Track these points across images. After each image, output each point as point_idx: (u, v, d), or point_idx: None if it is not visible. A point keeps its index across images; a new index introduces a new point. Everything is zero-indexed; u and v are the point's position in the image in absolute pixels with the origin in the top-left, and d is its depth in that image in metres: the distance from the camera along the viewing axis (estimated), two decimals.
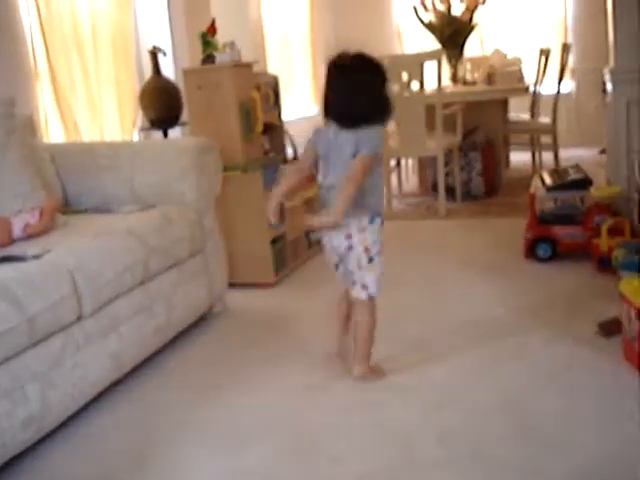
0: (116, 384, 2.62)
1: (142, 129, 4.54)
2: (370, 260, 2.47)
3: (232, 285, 3.55)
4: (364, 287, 2.50)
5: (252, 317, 3.36)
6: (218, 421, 2.39)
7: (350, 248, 2.45)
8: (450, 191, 5.33)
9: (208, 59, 3.76)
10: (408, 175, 6.46)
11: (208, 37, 3.84)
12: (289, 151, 4.31)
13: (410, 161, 6.51)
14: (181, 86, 3.96)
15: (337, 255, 2.51)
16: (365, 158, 2.35)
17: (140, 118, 4.53)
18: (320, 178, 2.55)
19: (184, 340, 3.08)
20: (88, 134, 4.22)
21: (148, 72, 4.44)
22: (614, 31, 4.11)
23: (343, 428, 2.27)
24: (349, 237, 2.44)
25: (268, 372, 2.72)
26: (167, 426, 2.39)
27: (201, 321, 3.26)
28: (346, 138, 2.39)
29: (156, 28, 4.89)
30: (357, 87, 2.40)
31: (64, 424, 2.37)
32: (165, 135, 4.37)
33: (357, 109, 2.39)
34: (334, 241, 2.48)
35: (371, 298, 2.52)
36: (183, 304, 3.00)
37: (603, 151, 5.69)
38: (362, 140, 2.36)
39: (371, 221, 2.45)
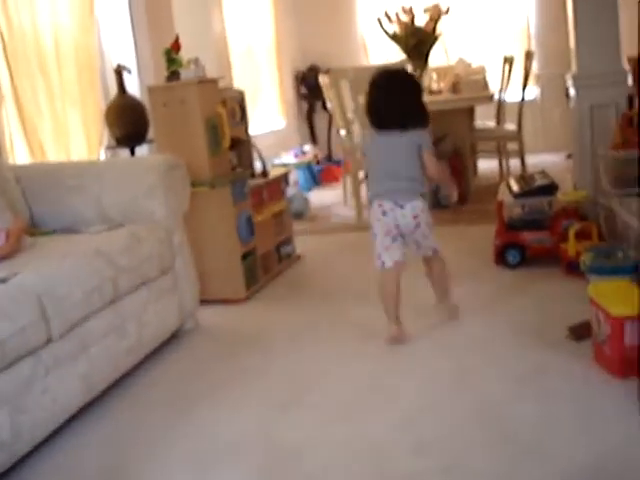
0: (89, 405, 2.59)
1: (109, 148, 4.51)
2: (431, 229, 3.08)
3: (203, 302, 3.54)
4: (431, 248, 3.12)
5: (224, 333, 3.34)
6: (192, 439, 2.37)
7: (418, 226, 3.01)
8: None
9: (173, 76, 3.75)
10: None
11: (172, 54, 3.83)
12: (257, 165, 4.31)
13: None
14: (147, 103, 3.95)
15: (398, 231, 3.02)
16: (430, 153, 2.99)
17: (106, 137, 4.50)
18: (372, 174, 3.12)
19: (156, 359, 3.06)
20: (54, 154, 4.19)
21: (113, 90, 4.42)
22: (575, 38, 4.17)
23: (317, 443, 2.26)
24: (416, 218, 2.99)
25: (241, 388, 2.71)
26: (141, 445, 2.37)
27: (173, 339, 3.24)
28: (406, 138, 2.97)
29: (120, 46, 4.87)
30: (409, 98, 3.00)
31: (37, 448, 2.34)
32: (132, 153, 4.34)
33: (412, 116, 2.99)
34: (400, 220, 2.99)
35: (437, 251, 3.14)
36: (154, 322, 2.98)
37: (570, 156, 5.75)
38: (423, 140, 2.99)
39: (425, 201, 3.05)
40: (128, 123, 4.26)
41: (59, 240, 2.98)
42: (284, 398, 2.58)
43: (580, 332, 2.76)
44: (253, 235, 3.85)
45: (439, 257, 3.18)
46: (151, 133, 4.09)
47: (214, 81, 3.84)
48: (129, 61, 4.70)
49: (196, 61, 3.73)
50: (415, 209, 2.98)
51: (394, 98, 2.97)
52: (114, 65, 4.38)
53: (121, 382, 2.81)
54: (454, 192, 3.19)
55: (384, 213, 2.99)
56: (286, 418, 2.44)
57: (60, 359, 2.40)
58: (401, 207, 2.97)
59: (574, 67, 4.22)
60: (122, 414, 2.61)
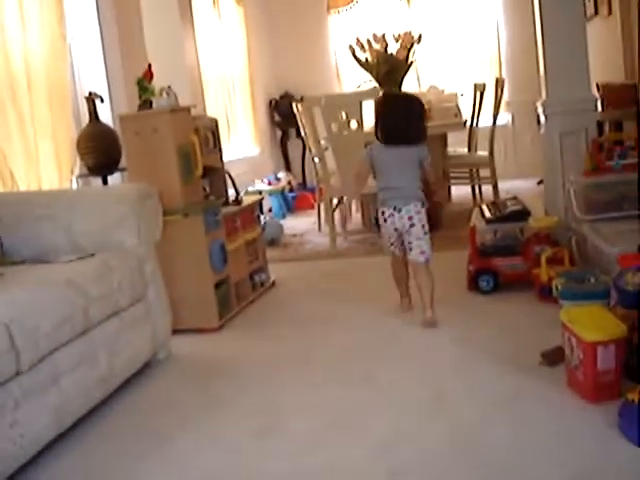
0: (60, 437, 2.55)
1: (80, 176, 4.48)
2: (425, 233, 3.46)
3: (176, 331, 3.51)
4: (422, 252, 3.45)
5: (197, 363, 3.31)
6: (165, 471, 2.34)
7: (412, 226, 3.43)
8: None
9: (145, 104, 3.75)
10: (351, 212, 6.50)
11: (145, 82, 3.83)
12: (231, 193, 4.30)
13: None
14: (119, 132, 3.93)
15: (397, 234, 3.50)
16: (430, 165, 3.55)
17: (78, 165, 4.48)
18: (379, 183, 3.57)
19: (128, 389, 3.02)
20: (25, 183, 4.15)
21: (85, 118, 4.40)
22: (544, 65, 4.23)
23: (292, 473, 2.23)
24: (410, 219, 3.43)
25: (215, 418, 2.68)
26: (113, 478, 2.33)
27: (145, 369, 3.20)
28: (411, 152, 3.47)
29: (92, 73, 4.86)
30: (414, 118, 3.52)
31: None
32: (104, 181, 4.32)
33: (416, 133, 3.50)
34: (398, 223, 3.47)
35: (427, 260, 3.46)
36: (126, 352, 2.95)
37: (541, 182, 5.81)
38: (424, 154, 3.50)
39: (422, 205, 3.47)
40: (100, 151, 4.24)
41: (29, 270, 2.94)
42: (258, 428, 2.56)
43: (553, 357, 2.77)
44: (226, 263, 3.83)
45: (428, 269, 3.47)
46: (123, 161, 4.08)
47: (186, 109, 3.84)
48: (101, 89, 4.68)
49: (168, 90, 3.73)
50: (410, 211, 3.44)
51: (402, 118, 3.49)
52: (86, 93, 4.36)
53: (93, 413, 2.77)
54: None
55: (385, 220, 3.51)
56: (260, 448, 2.42)
57: (30, 391, 2.36)
58: (399, 211, 3.45)
59: (544, 94, 4.28)
60: (94, 446, 2.57)
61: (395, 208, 3.45)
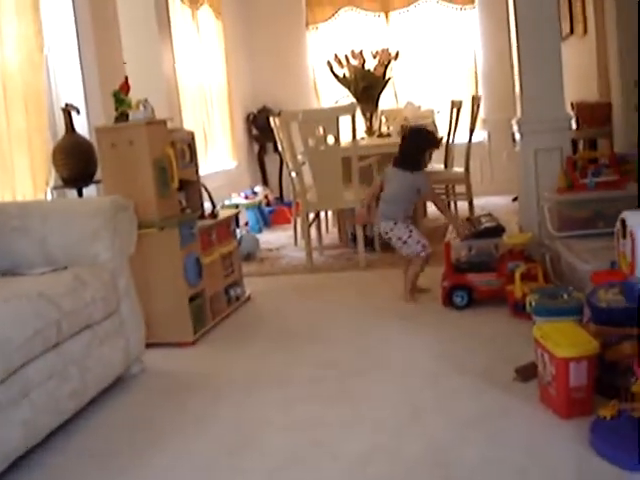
0: (30, 453, 2.52)
1: (55, 188, 4.45)
2: (404, 242, 4.08)
3: (150, 345, 3.48)
4: (408, 255, 4.10)
5: (171, 378, 3.29)
6: None
7: (389, 238, 4.14)
8: (369, 242, 5.39)
9: (121, 117, 3.73)
10: (328, 227, 6.51)
11: (121, 95, 3.81)
12: (207, 206, 4.29)
13: (329, 213, 6.55)
14: (95, 144, 3.91)
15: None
16: (430, 193, 4.29)
17: (53, 177, 4.45)
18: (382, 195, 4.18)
19: (100, 404, 2.99)
20: None
21: (62, 130, 4.37)
22: (520, 84, 4.27)
23: None
24: (386, 233, 4.15)
25: (188, 434, 2.66)
26: None
27: (119, 383, 3.18)
28: (411, 179, 4.07)
29: (69, 85, 4.84)
30: (413, 150, 4.11)
31: None
32: (80, 194, 4.29)
33: (410, 161, 4.08)
34: (381, 231, 4.19)
35: (417, 256, 4.05)
36: (98, 367, 2.92)
37: (516, 199, 5.85)
38: (422, 184, 4.12)
39: (395, 223, 4.08)
40: (76, 163, 4.21)
41: (1, 282, 2.91)
42: (232, 444, 2.54)
43: (527, 373, 2.79)
44: (201, 277, 3.82)
45: (417, 261, 4.05)
46: (99, 174, 4.06)
47: (163, 122, 3.83)
48: (78, 101, 4.66)
49: (145, 102, 3.72)
50: (385, 227, 4.12)
51: (409, 148, 4.11)
52: (62, 104, 4.34)
53: (64, 428, 2.74)
54: (459, 228, 4.09)
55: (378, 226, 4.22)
56: (234, 465, 2.40)
57: (0, 405, 2.33)
58: (380, 223, 4.14)
59: (519, 112, 4.32)
60: (64, 462, 2.54)
61: (381, 220, 4.15)
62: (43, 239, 3.14)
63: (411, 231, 4.10)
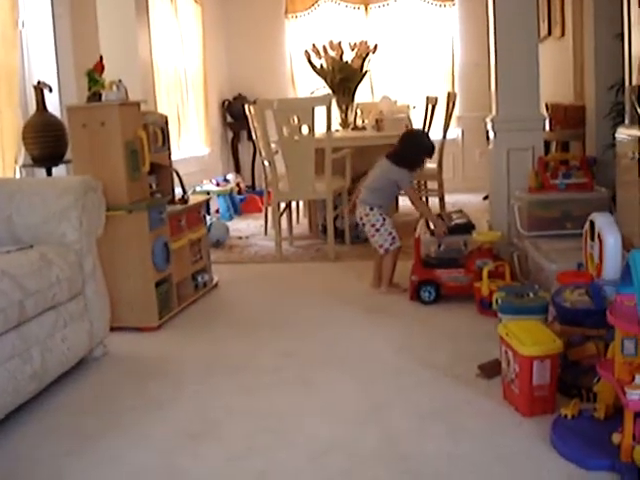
0: None
1: (24, 166, 4.39)
2: (377, 230, 4.13)
3: (115, 329, 3.45)
4: (380, 246, 4.14)
5: (133, 362, 3.26)
6: (95, 471, 2.29)
7: (363, 225, 4.19)
8: (339, 234, 5.38)
9: (94, 97, 3.68)
10: (299, 218, 6.50)
11: (95, 74, 3.77)
12: (178, 191, 4.26)
13: (300, 204, 6.54)
14: (66, 123, 3.86)
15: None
16: (410, 190, 4.28)
17: (23, 155, 4.39)
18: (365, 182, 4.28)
19: (62, 386, 2.96)
20: None
21: (33, 107, 4.31)
22: (496, 83, 4.29)
23: (223, 477, 2.21)
24: (361, 219, 4.19)
25: (148, 419, 2.64)
26: (38, 477, 2.27)
27: (80, 366, 3.14)
28: (388, 168, 4.13)
29: (43, 63, 4.77)
30: (413, 154, 4.20)
31: None
32: (49, 173, 4.23)
33: (403, 160, 4.13)
34: (357, 217, 4.26)
35: (386, 251, 4.13)
36: (61, 348, 2.88)
37: (486, 197, 5.88)
38: (400, 176, 4.13)
39: (371, 209, 4.14)
40: (46, 142, 4.15)
41: None
42: (191, 430, 2.53)
43: (490, 370, 2.80)
44: (169, 262, 3.79)
45: (388, 255, 4.13)
46: (69, 154, 4.01)
47: (136, 104, 3.79)
48: (51, 79, 4.59)
49: (119, 83, 3.67)
50: (361, 212, 4.18)
51: (409, 151, 4.18)
52: (35, 81, 4.28)
53: (24, 409, 2.70)
54: (438, 227, 4.05)
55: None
56: (192, 451, 2.38)
57: None
58: (357, 209, 4.22)
59: (494, 110, 4.34)
60: (22, 443, 2.50)
61: (359, 205, 4.22)
62: (9, 217, 3.10)
63: (384, 219, 4.13)
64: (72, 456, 2.38)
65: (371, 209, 4.12)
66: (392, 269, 4.15)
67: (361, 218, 4.16)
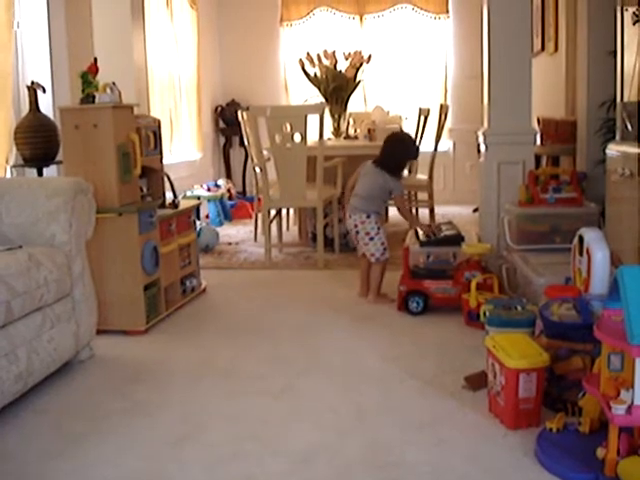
0: None
1: (15, 166, 4.38)
2: (371, 238, 4.14)
3: (102, 332, 3.45)
4: (372, 255, 4.15)
5: (120, 366, 3.25)
6: (79, 475, 2.27)
7: (357, 232, 4.18)
8: (329, 242, 5.39)
9: (87, 99, 3.68)
10: (289, 225, 6.50)
11: (89, 76, 3.76)
12: (168, 196, 4.25)
13: (291, 211, 6.55)
14: (59, 124, 3.85)
15: (353, 234, 4.24)
16: (399, 197, 4.26)
17: (14, 155, 4.38)
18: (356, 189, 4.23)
19: (47, 388, 2.95)
20: None
21: (26, 108, 4.30)
22: (488, 96, 4.31)
23: None
24: (356, 226, 4.17)
25: (133, 423, 2.63)
26: (24, 478, 2.26)
27: (66, 368, 3.13)
28: (381, 176, 4.14)
29: (37, 63, 4.76)
30: (396, 156, 4.21)
31: None
32: (40, 173, 4.22)
33: (387, 161, 4.17)
34: (349, 226, 4.25)
35: (377, 260, 4.13)
36: (47, 350, 2.87)
37: (476, 210, 5.90)
38: (395, 187, 4.18)
39: (367, 217, 4.15)
40: (38, 142, 4.15)
41: None
42: (177, 435, 2.52)
43: (476, 382, 2.81)
44: (158, 266, 3.78)
45: (378, 266, 4.13)
46: (60, 155, 4.00)
47: (129, 107, 3.78)
48: (44, 79, 4.59)
49: (112, 85, 3.67)
50: (356, 220, 4.15)
51: (391, 154, 4.18)
52: (28, 82, 4.27)
53: (8, 410, 2.69)
54: (422, 228, 4.28)
55: (347, 221, 4.26)
56: (177, 455, 2.37)
57: None
58: (350, 217, 4.19)
59: (486, 124, 4.36)
60: (5, 445, 2.49)
61: (350, 214, 4.20)
62: None
63: (379, 229, 4.15)
64: (57, 459, 2.37)
65: (368, 216, 4.12)
66: (380, 279, 4.15)
67: (356, 225, 4.15)
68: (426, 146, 6.48)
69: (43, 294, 2.84)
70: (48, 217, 3.06)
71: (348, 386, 2.91)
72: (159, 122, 4.27)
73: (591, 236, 2.79)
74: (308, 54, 6.39)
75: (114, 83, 3.71)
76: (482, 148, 4.38)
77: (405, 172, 6.49)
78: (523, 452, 2.29)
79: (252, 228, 6.23)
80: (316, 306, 4.09)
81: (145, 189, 3.97)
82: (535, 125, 5.31)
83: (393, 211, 6.79)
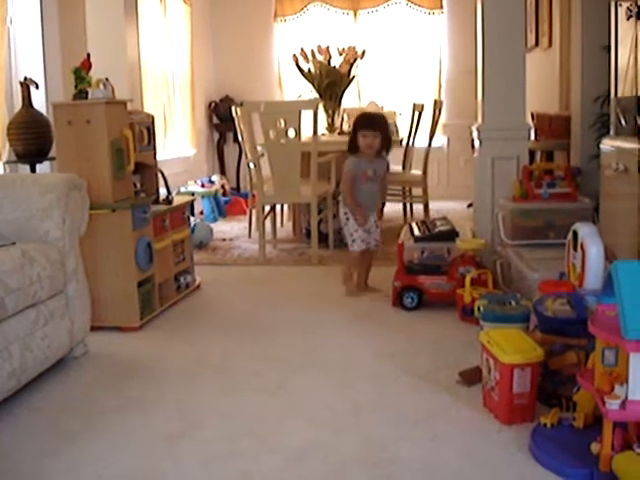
0: None
1: (8, 162, 4.37)
2: (346, 231, 4.20)
3: (96, 328, 3.44)
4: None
5: (114, 362, 3.24)
6: (74, 472, 2.27)
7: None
8: (323, 238, 5.39)
9: (80, 94, 3.67)
10: (283, 221, 6.49)
11: (82, 72, 3.75)
12: (162, 192, 4.24)
13: (285, 207, 6.54)
14: (52, 120, 3.84)
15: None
16: (343, 174, 4.19)
17: (7, 151, 4.36)
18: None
19: (41, 384, 2.94)
20: None
21: (19, 104, 4.29)
22: (482, 91, 4.31)
23: (205, 479, 2.20)
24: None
25: (127, 420, 2.62)
26: (18, 478, 2.25)
27: (60, 365, 3.12)
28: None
29: (30, 59, 4.75)
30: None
31: None
32: (33, 170, 4.21)
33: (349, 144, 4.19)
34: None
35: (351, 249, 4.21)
36: (41, 346, 2.86)
37: (470, 205, 5.90)
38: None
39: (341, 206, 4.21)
40: (31, 138, 4.14)
41: None
42: (171, 432, 2.51)
43: (471, 377, 2.81)
44: (152, 262, 3.77)
45: (350, 253, 4.22)
46: (54, 151, 3.99)
47: (123, 103, 3.77)
48: (37, 75, 4.57)
49: (106, 81, 3.66)
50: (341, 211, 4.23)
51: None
52: (21, 78, 4.26)
53: (1, 407, 2.68)
54: (357, 216, 4.12)
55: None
56: (173, 452, 2.37)
57: None
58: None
59: (480, 119, 4.36)
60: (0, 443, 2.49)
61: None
62: None
63: (348, 219, 4.18)
64: (52, 457, 2.36)
65: (341, 207, 4.22)
66: (349, 267, 4.26)
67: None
68: (420, 141, 6.50)
69: (37, 290, 2.83)
70: (41, 213, 3.05)
71: (343, 383, 2.91)
72: (153, 118, 4.26)
73: (585, 231, 2.79)
74: (302, 49, 6.38)
75: (107, 79, 3.69)
76: (476, 143, 4.38)
77: (399, 167, 6.53)
78: (517, 447, 2.29)
79: (246, 224, 6.22)
80: (311, 302, 4.09)
81: (139, 185, 3.96)
82: (529, 120, 5.30)
83: (388, 207, 6.80)
